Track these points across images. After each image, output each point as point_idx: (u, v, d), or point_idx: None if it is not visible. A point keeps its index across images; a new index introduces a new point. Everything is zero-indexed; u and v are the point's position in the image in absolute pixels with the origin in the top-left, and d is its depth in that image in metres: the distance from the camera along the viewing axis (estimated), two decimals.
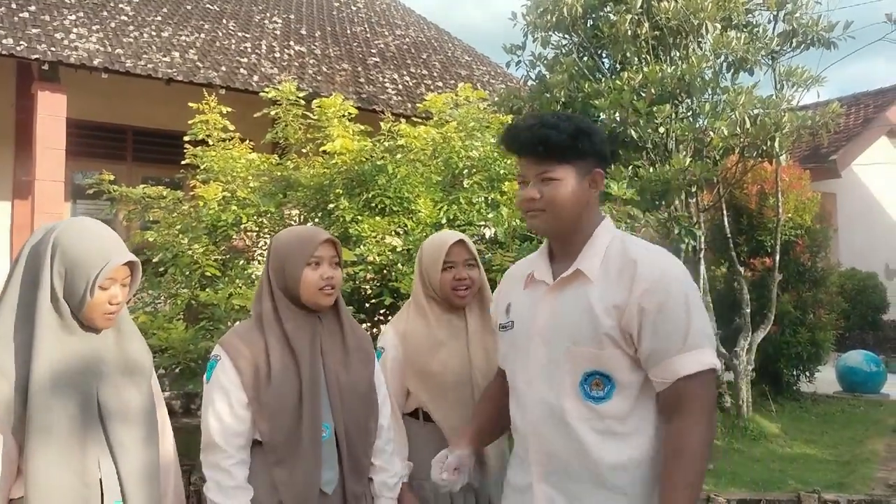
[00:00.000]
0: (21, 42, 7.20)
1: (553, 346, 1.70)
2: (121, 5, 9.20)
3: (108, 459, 1.79)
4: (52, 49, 7.30)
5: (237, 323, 2.27)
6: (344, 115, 5.88)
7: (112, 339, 1.88)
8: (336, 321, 2.15)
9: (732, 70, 6.77)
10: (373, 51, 11.04)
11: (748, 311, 7.26)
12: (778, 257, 7.52)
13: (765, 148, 6.38)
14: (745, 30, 6.86)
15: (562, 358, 1.68)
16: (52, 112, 7.30)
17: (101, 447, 1.79)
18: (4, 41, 7.06)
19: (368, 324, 4.78)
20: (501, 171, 5.57)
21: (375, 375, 2.19)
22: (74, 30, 7.93)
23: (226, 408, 1.97)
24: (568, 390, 1.68)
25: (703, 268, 7.25)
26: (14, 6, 8.01)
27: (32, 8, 8.12)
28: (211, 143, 6.01)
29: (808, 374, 8.62)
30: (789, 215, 8.23)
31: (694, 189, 6.66)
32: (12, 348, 1.72)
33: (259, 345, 2.02)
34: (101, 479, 1.77)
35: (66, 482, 1.72)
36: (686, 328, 1.63)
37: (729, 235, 7.56)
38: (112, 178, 6.36)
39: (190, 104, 6.15)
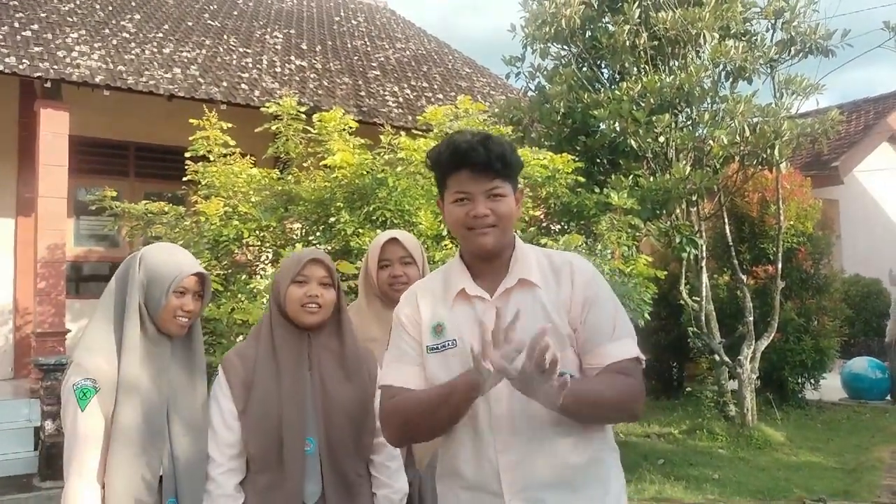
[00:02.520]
0: (24, 60, 7.25)
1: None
2: (122, 23, 9.26)
3: (168, 460, 1.99)
4: (55, 67, 7.34)
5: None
6: (344, 129, 5.90)
7: (183, 348, 2.11)
8: (336, 339, 2.20)
9: (731, 79, 6.79)
10: (373, 64, 11.09)
11: (751, 319, 7.25)
12: (780, 265, 7.51)
13: (765, 156, 6.40)
14: (743, 39, 6.88)
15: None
16: (54, 129, 7.33)
17: (164, 448, 1.99)
18: (7, 60, 7.11)
19: None
20: None
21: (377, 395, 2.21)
22: (77, 48, 7.98)
23: (218, 419, 2.09)
24: None
25: (705, 276, 7.25)
26: (17, 25, 8.07)
27: (35, 27, 8.18)
28: (212, 158, 6.04)
29: (812, 381, 8.59)
30: (791, 223, 8.23)
31: (695, 198, 6.67)
32: (113, 342, 1.99)
33: (251, 358, 2.14)
34: (161, 477, 1.97)
35: (134, 481, 1.91)
36: (614, 319, 1.74)
37: (731, 244, 7.56)
38: (114, 194, 6.39)
39: (191, 120, 6.18)
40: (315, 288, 2.13)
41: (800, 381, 8.53)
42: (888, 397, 9.01)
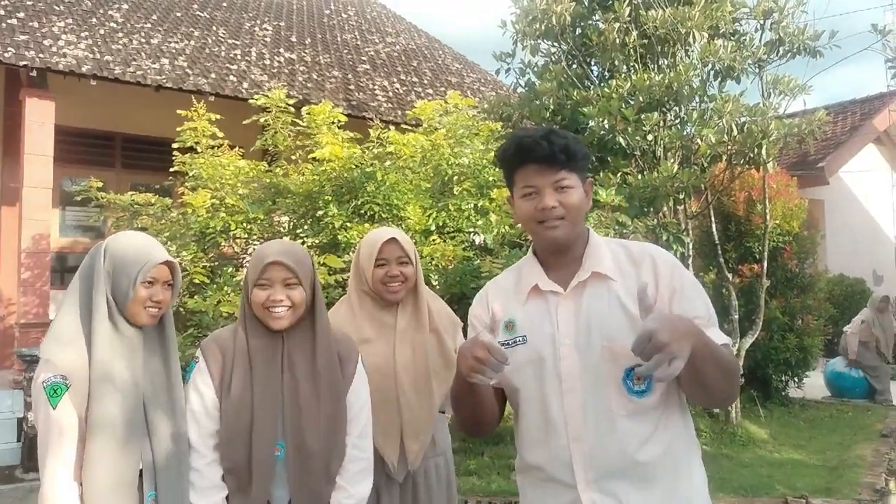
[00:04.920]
0: (9, 49, 7.18)
1: (587, 349, 1.70)
2: (110, 12, 9.19)
3: (147, 448, 1.94)
4: (41, 56, 7.28)
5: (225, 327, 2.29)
6: (333, 123, 5.90)
7: (156, 338, 2.04)
8: (309, 338, 2.11)
9: (720, 78, 6.81)
10: (363, 58, 11.06)
11: (736, 317, 7.30)
12: (766, 263, 7.56)
13: (752, 155, 6.42)
14: (732, 38, 6.91)
15: (599, 358, 1.68)
16: (40, 119, 7.27)
17: (144, 441, 1.94)
18: None
19: None
20: (490, 178, 5.60)
21: (351, 393, 2.13)
22: (63, 36, 7.91)
23: (200, 408, 2.04)
24: (612, 388, 1.69)
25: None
26: (2, 13, 7.98)
27: (21, 14, 8.10)
28: (199, 150, 6.01)
29: (796, 379, 8.66)
30: (777, 222, 8.27)
31: (682, 196, 6.69)
32: (82, 336, 1.92)
33: (230, 352, 2.08)
34: (141, 471, 1.92)
35: (117, 472, 1.87)
36: (706, 306, 1.73)
37: (717, 242, 7.59)
38: (100, 184, 6.35)
39: (178, 111, 6.15)
40: (279, 291, 2.03)
41: (783, 378, 8.59)
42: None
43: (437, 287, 4.87)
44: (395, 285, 2.52)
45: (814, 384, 9.04)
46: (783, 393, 8.64)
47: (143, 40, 8.65)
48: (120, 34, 8.58)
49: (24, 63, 7.07)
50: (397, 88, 10.27)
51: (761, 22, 6.89)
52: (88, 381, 1.87)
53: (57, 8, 8.71)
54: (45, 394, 1.84)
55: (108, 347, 1.91)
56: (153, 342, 2.03)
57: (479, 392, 1.74)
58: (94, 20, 8.74)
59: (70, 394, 1.85)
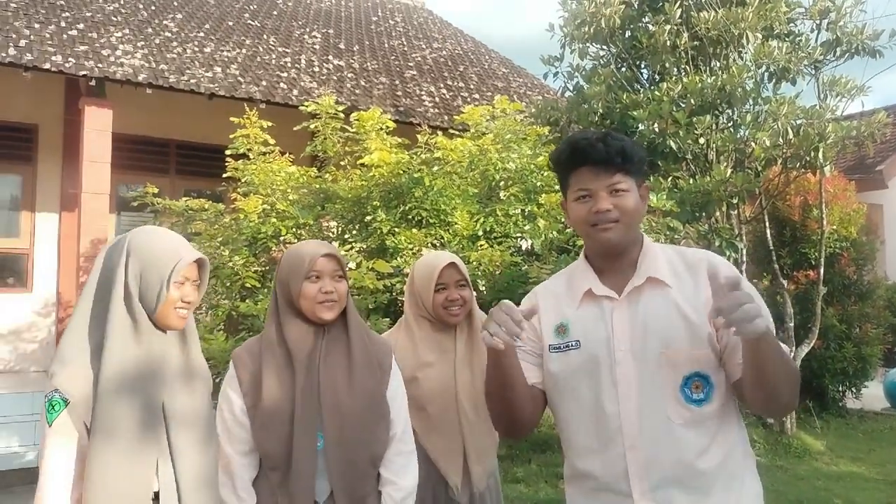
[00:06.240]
0: (69, 59, 7.41)
1: (643, 355, 1.67)
2: (165, 22, 9.42)
3: (167, 465, 1.79)
4: (99, 65, 7.49)
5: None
6: (382, 128, 5.95)
7: (178, 343, 1.90)
8: (343, 332, 2.15)
9: (774, 80, 6.66)
10: (410, 64, 11.12)
11: (792, 325, 7.11)
12: (822, 270, 7.35)
13: (808, 159, 6.25)
14: (787, 39, 6.75)
15: (657, 365, 1.66)
16: (98, 126, 7.49)
17: (163, 452, 1.79)
18: (54, 58, 7.28)
19: None
20: (538, 184, 5.57)
21: (391, 387, 2.16)
22: (121, 46, 8.13)
23: (229, 414, 2.07)
24: (670, 395, 1.66)
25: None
26: (63, 24, 8.25)
27: (81, 26, 8.36)
28: (251, 156, 6.12)
29: (854, 389, 8.40)
30: (834, 227, 8.05)
31: (735, 201, 6.55)
32: (89, 348, 1.76)
33: (257, 354, 2.11)
34: (158, 489, 1.78)
35: (123, 489, 1.72)
36: (767, 315, 1.64)
37: (771, 248, 7.42)
38: (156, 190, 6.51)
39: (231, 118, 6.26)
40: (329, 283, 2.09)
41: (841, 389, 8.34)
42: None
43: (485, 293, 4.86)
44: (456, 309, 2.56)
45: (873, 395, 8.75)
46: (840, 404, 8.39)
47: (196, 49, 8.84)
48: (174, 43, 8.79)
49: (84, 73, 7.29)
50: (444, 94, 10.29)
51: (817, 22, 6.72)
52: (94, 397, 1.72)
53: (114, 19, 8.96)
54: (45, 409, 1.72)
55: (126, 355, 1.76)
56: (177, 347, 1.89)
57: (513, 386, 1.72)
58: (149, 30, 8.97)
59: (70, 410, 1.71)
